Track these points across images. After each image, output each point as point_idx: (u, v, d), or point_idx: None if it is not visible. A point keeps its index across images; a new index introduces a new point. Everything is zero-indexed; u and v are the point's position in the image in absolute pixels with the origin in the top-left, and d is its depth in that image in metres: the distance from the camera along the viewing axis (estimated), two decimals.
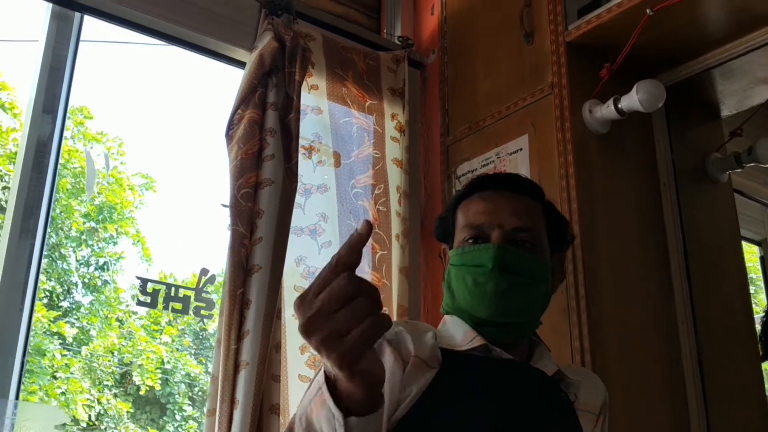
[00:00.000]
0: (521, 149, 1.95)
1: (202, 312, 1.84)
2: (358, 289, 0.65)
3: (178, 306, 1.79)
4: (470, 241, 1.14)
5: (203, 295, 1.85)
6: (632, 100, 1.73)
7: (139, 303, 1.68)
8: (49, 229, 1.73)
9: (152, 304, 1.75)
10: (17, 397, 1.56)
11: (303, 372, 1.81)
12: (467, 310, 1.12)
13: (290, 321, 1.82)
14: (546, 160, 1.86)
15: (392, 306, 1.98)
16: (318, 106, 2.05)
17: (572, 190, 1.76)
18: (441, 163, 2.22)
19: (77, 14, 1.81)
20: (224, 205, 1.79)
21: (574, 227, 1.73)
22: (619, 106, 1.77)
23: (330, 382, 0.75)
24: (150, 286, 1.77)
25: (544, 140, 1.88)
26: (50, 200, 1.71)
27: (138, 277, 1.78)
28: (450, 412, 1.03)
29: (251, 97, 1.83)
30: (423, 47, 2.42)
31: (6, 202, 7.41)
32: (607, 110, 1.81)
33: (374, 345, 0.69)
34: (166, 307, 1.77)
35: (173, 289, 1.80)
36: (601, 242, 1.77)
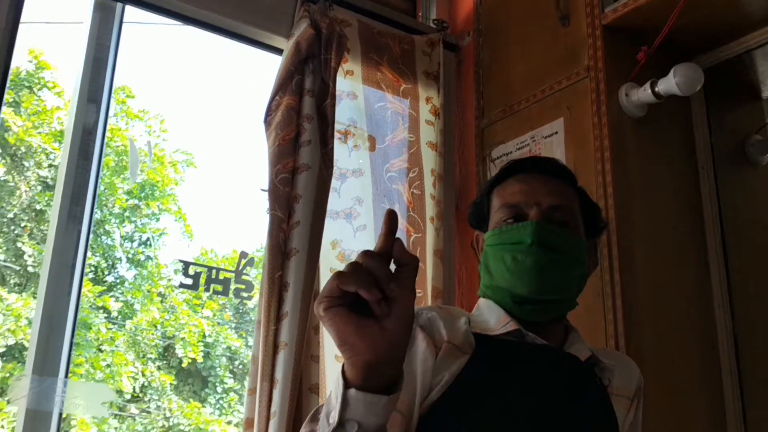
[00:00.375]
0: (556, 133, 1.95)
1: (242, 294, 1.90)
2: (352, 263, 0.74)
3: (219, 288, 1.85)
4: (508, 220, 1.16)
5: (243, 277, 1.90)
6: (669, 84, 1.72)
7: (182, 285, 1.75)
8: (95, 210, 1.79)
9: (194, 287, 1.81)
10: (66, 376, 1.64)
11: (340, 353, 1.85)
12: (507, 289, 1.13)
13: None
14: (582, 144, 1.85)
15: (427, 289, 2.01)
16: (353, 91, 2.07)
17: (608, 174, 1.76)
18: (476, 146, 2.23)
19: (119, 4, 1.86)
20: (263, 190, 1.83)
21: (610, 212, 1.73)
22: (657, 89, 1.76)
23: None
24: (192, 269, 1.83)
25: (579, 124, 1.87)
26: (96, 185, 1.77)
27: (180, 261, 1.84)
28: (482, 397, 1.05)
29: (288, 83, 1.86)
30: (458, 30, 2.42)
31: (53, 179, 7.61)
32: (644, 94, 1.79)
33: (349, 317, 0.73)
34: (207, 289, 1.83)
35: (214, 271, 1.86)
36: (637, 227, 1.76)
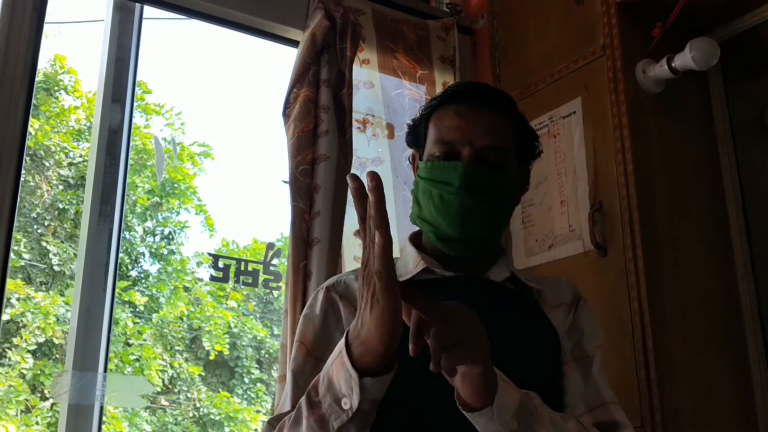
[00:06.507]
0: (574, 112, 1.96)
1: (271, 284, 1.94)
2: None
3: (248, 279, 1.89)
4: (440, 156, 1.15)
5: (271, 268, 1.94)
6: (686, 59, 1.72)
7: (212, 278, 1.79)
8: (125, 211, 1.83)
9: (224, 279, 1.85)
10: (105, 370, 1.69)
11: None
12: (433, 225, 1.15)
13: None
14: (600, 123, 1.86)
15: None
16: (370, 80, 2.09)
17: (627, 152, 1.76)
18: None
19: (138, 4, 1.89)
20: (285, 182, 1.87)
21: (631, 189, 1.74)
22: (673, 65, 1.76)
23: (348, 348, 0.85)
24: (221, 262, 1.88)
25: (597, 102, 1.88)
26: (124, 184, 1.81)
27: (210, 254, 1.89)
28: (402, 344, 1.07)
29: (305, 75, 1.88)
30: (472, 13, 2.42)
31: (74, 178, 7.70)
32: (660, 70, 1.80)
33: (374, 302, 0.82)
34: (237, 281, 1.87)
35: (243, 264, 1.89)
36: (659, 202, 1.77)
